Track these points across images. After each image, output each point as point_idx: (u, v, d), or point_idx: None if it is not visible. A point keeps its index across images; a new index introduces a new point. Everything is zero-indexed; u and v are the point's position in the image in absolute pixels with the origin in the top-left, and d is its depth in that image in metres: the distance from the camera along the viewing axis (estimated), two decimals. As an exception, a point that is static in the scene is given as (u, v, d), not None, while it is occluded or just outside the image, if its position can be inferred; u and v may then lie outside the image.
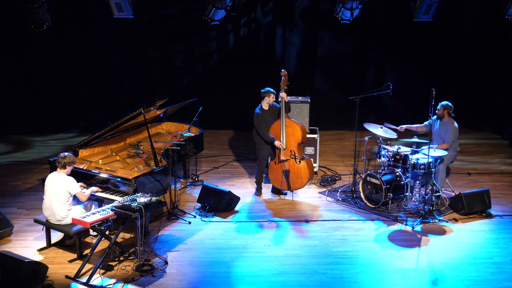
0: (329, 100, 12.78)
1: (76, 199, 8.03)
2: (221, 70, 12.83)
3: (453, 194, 9.50)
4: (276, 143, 9.24)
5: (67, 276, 7.27)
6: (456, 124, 9.38)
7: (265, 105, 9.35)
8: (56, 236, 8.10)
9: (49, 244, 8.01)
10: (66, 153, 7.82)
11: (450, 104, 9.38)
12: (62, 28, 12.01)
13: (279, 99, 9.26)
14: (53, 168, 8.24)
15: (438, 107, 9.37)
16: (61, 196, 7.65)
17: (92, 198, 8.10)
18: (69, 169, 7.77)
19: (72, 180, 7.73)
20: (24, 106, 12.54)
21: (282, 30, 12.55)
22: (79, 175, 8.25)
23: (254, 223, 8.85)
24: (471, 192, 9.17)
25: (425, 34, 12.57)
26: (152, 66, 12.71)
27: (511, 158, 11.58)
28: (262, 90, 9.31)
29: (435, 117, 9.45)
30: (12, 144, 12.07)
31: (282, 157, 9.33)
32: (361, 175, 9.58)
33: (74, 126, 12.72)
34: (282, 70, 9.31)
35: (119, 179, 8.08)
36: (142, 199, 7.33)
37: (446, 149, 9.19)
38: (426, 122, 9.56)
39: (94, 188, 8.07)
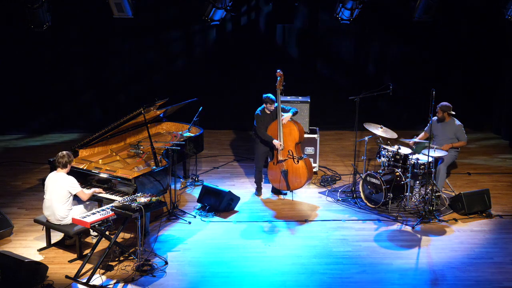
0: (329, 100, 12.78)
1: (76, 199, 8.05)
2: (221, 70, 12.83)
3: (453, 194, 9.51)
4: (275, 142, 9.24)
5: (67, 276, 7.27)
6: (459, 122, 9.40)
7: (266, 109, 9.33)
8: (56, 236, 8.11)
9: (49, 244, 8.01)
10: (64, 152, 7.80)
11: (447, 104, 9.38)
12: (62, 28, 12.02)
13: (281, 119, 9.22)
14: (53, 168, 8.24)
15: (437, 110, 9.35)
16: (62, 195, 7.65)
17: (92, 198, 8.10)
18: (69, 167, 7.78)
19: (72, 179, 7.73)
20: (23, 105, 12.54)
21: (282, 30, 12.55)
22: (79, 175, 8.25)
23: (254, 223, 8.85)
24: (471, 192, 9.17)
25: (425, 34, 12.57)
26: (152, 66, 12.71)
27: (511, 158, 11.58)
28: (263, 96, 9.27)
29: (435, 118, 9.45)
30: (12, 144, 12.08)
31: (280, 157, 9.33)
32: (361, 175, 9.57)
33: (73, 126, 12.71)
34: (278, 71, 9.29)
35: (119, 179, 8.08)
36: (142, 199, 7.33)
37: (464, 146, 9.39)
38: (426, 128, 9.55)
39: (96, 189, 8.06)
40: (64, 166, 7.74)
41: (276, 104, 9.28)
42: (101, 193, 8.06)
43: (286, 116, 9.24)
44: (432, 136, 9.39)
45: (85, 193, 7.86)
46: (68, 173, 7.79)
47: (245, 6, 12.44)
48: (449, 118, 9.41)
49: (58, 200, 7.65)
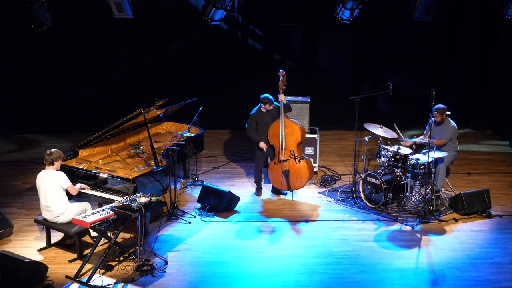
0: (329, 100, 12.78)
1: (75, 198, 8.05)
2: (221, 70, 12.83)
3: (453, 194, 9.51)
4: (261, 144, 9.28)
5: (67, 276, 7.27)
6: (454, 124, 9.39)
7: (262, 108, 9.35)
8: (56, 236, 8.11)
9: (49, 244, 8.02)
10: (52, 150, 7.78)
11: (443, 106, 9.33)
12: (62, 28, 12.02)
13: (279, 100, 9.26)
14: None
15: (434, 112, 9.25)
16: (55, 191, 7.66)
17: (92, 198, 8.11)
18: (57, 164, 7.77)
19: (62, 174, 7.76)
20: (24, 105, 12.55)
21: (282, 30, 12.54)
22: (79, 175, 8.25)
23: (254, 223, 8.85)
24: (471, 192, 9.17)
25: (425, 34, 12.57)
26: (152, 66, 12.70)
27: (511, 158, 11.58)
28: (261, 96, 9.30)
29: (433, 119, 9.42)
30: (13, 144, 12.08)
31: (282, 157, 9.33)
32: (361, 175, 9.58)
33: (73, 126, 12.71)
34: (280, 70, 9.31)
35: (119, 179, 8.08)
36: (142, 199, 7.33)
37: (442, 145, 9.20)
38: (425, 131, 9.52)
39: (82, 185, 8.12)
40: (51, 163, 7.73)
41: (274, 104, 9.30)
42: (85, 189, 8.11)
43: (282, 97, 9.22)
44: (430, 138, 9.37)
45: (75, 188, 7.90)
46: (58, 169, 7.80)
47: (245, 6, 12.42)
48: (446, 120, 9.40)
49: (51, 196, 7.66)
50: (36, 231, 8.40)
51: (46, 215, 7.78)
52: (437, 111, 9.29)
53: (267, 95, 9.27)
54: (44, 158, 7.75)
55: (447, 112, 9.36)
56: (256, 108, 9.41)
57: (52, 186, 7.67)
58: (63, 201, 7.73)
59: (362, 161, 9.98)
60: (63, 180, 7.75)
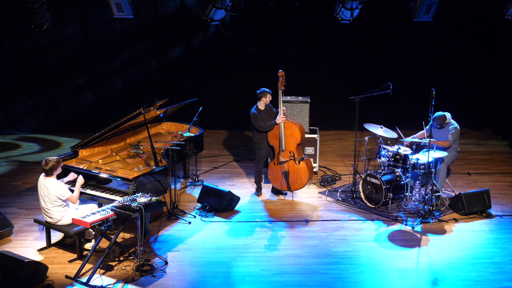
0: (329, 100, 12.78)
1: (80, 199, 8.05)
2: (221, 70, 12.83)
3: (453, 194, 9.51)
4: (279, 119, 9.19)
5: (67, 276, 7.28)
6: (457, 125, 9.38)
7: (261, 105, 9.36)
8: (56, 236, 8.11)
9: (49, 244, 8.01)
10: (49, 159, 7.63)
11: (442, 114, 9.18)
12: (62, 28, 12.02)
13: (277, 121, 9.24)
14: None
15: (437, 115, 9.21)
16: (53, 201, 7.62)
17: (92, 198, 8.10)
18: (56, 173, 7.65)
19: (61, 187, 7.62)
20: (24, 106, 12.55)
21: (282, 30, 12.54)
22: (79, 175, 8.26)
23: (254, 223, 8.85)
24: (471, 192, 9.17)
25: (425, 34, 12.57)
26: (152, 66, 12.70)
27: (511, 158, 11.58)
28: (258, 91, 9.32)
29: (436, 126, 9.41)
30: (13, 144, 12.07)
31: (282, 159, 9.33)
32: (361, 175, 9.58)
33: (74, 126, 12.71)
34: (280, 71, 9.31)
35: (119, 179, 8.07)
36: (142, 199, 7.33)
37: (446, 146, 9.19)
38: (426, 127, 9.50)
39: (80, 181, 7.90)
40: (48, 173, 7.61)
41: (270, 105, 9.32)
42: (98, 191, 8.05)
43: (281, 119, 9.22)
44: (431, 137, 9.37)
45: (74, 196, 7.76)
46: (59, 173, 7.73)
47: (245, 6, 12.42)
48: (448, 121, 9.38)
49: (51, 205, 7.63)
50: (36, 231, 8.40)
51: (46, 218, 7.76)
52: (438, 121, 9.21)
53: (263, 88, 9.29)
54: (42, 168, 7.63)
55: (448, 115, 9.29)
56: (255, 107, 9.40)
57: (51, 196, 7.62)
58: (61, 208, 7.67)
59: (362, 161, 9.98)
60: (62, 193, 7.62)
